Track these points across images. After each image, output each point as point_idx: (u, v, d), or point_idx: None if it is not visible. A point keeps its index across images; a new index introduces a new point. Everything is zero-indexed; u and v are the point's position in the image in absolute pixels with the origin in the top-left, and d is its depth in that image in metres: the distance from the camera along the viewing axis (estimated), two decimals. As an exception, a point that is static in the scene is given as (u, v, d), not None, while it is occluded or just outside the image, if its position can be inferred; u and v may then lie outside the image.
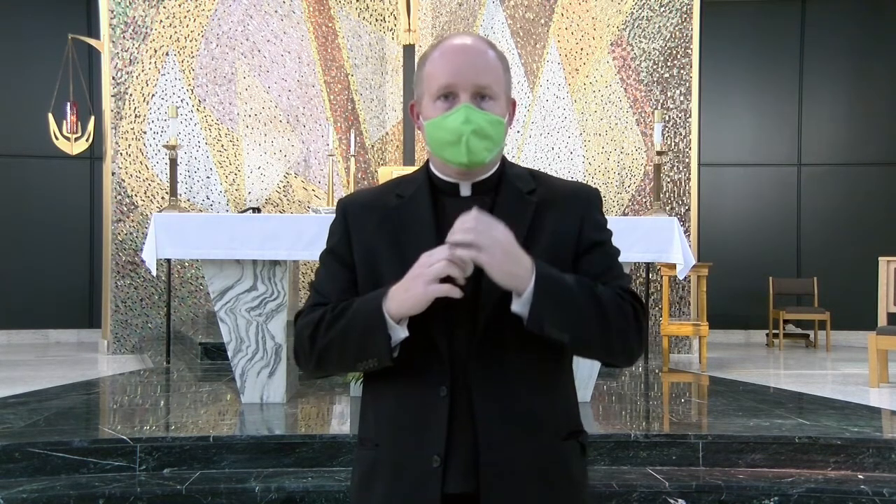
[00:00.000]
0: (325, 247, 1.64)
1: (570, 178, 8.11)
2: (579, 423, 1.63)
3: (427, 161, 1.63)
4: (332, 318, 1.52)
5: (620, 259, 1.63)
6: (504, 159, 1.62)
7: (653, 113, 8.08)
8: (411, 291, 1.43)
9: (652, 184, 7.91)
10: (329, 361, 1.57)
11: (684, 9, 8.37)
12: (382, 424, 1.56)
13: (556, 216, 1.56)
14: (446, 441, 1.48)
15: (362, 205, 1.62)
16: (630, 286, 1.59)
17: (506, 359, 1.50)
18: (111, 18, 8.07)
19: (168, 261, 7.27)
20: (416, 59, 7.88)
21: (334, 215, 1.65)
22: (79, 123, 8.11)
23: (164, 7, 8.17)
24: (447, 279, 1.42)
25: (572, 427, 1.60)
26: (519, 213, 1.55)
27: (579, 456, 1.60)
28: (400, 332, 1.46)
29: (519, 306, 1.44)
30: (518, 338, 1.49)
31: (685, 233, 7.50)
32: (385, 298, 1.46)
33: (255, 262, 4.58)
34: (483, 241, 1.40)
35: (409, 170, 1.67)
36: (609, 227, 1.63)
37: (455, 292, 1.42)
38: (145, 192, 8.13)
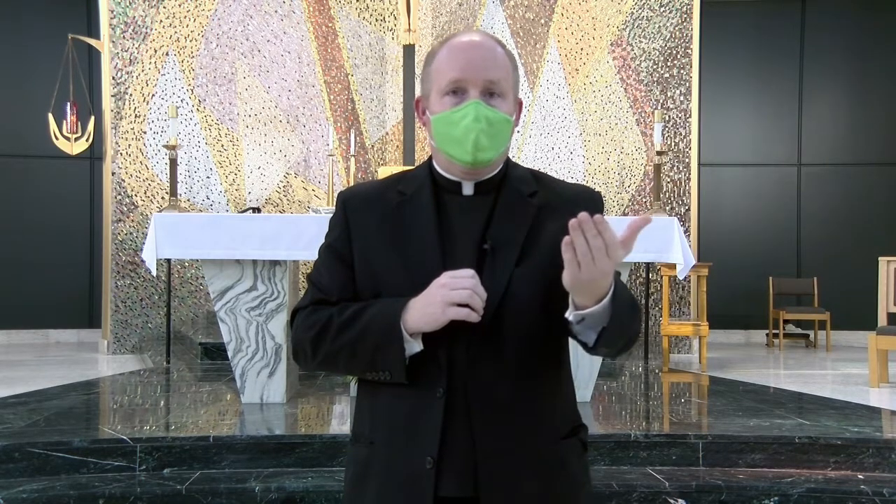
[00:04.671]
0: (325, 240, 1.63)
1: (570, 179, 8.12)
2: (579, 418, 1.62)
3: (430, 157, 1.62)
4: (341, 324, 1.51)
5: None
6: (508, 159, 1.61)
7: (653, 113, 8.07)
8: (429, 310, 1.43)
9: (652, 184, 7.90)
10: (334, 367, 1.58)
11: (684, 9, 8.36)
12: (378, 422, 1.55)
13: (558, 219, 1.53)
14: (440, 443, 1.47)
15: (363, 199, 1.60)
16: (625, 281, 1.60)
17: (505, 362, 1.49)
18: (111, 18, 8.07)
19: (168, 261, 7.27)
20: (417, 59, 7.91)
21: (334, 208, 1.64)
22: (79, 123, 8.10)
23: (164, 7, 8.16)
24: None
25: (572, 424, 1.60)
26: (520, 214, 1.54)
27: (580, 454, 1.60)
28: (415, 346, 1.47)
29: (571, 316, 1.42)
30: (517, 341, 1.49)
31: (685, 233, 7.50)
32: (404, 311, 1.45)
33: (255, 262, 4.59)
34: (582, 256, 1.33)
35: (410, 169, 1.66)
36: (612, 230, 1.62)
37: (473, 317, 1.42)
38: (145, 192, 8.13)
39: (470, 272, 1.43)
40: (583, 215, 1.30)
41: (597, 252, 1.31)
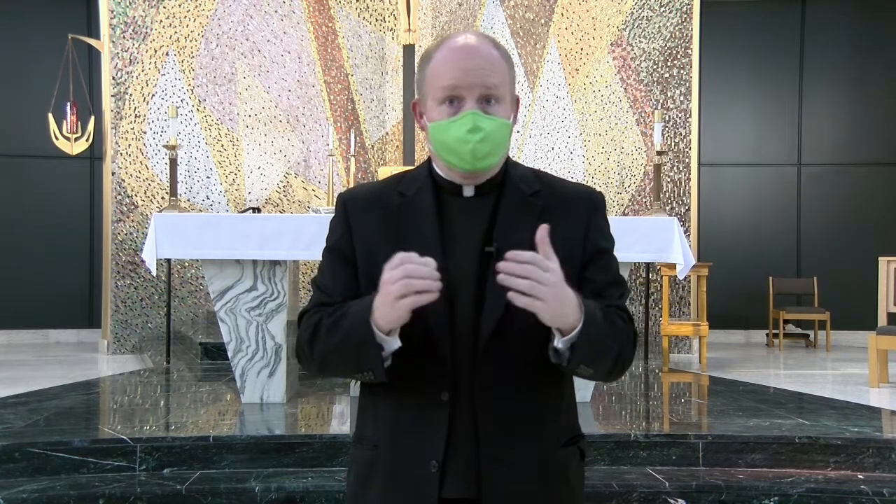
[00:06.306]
0: (326, 243, 1.61)
1: (570, 179, 8.11)
2: (578, 428, 1.63)
3: (429, 158, 1.60)
4: (329, 325, 1.50)
5: (620, 259, 1.63)
6: (508, 158, 1.59)
7: (653, 113, 8.07)
8: (384, 308, 1.39)
9: (652, 184, 7.90)
10: (331, 368, 1.57)
11: (684, 9, 8.36)
12: (381, 425, 1.55)
13: (561, 220, 1.53)
14: (445, 446, 1.47)
15: (363, 201, 1.59)
16: (627, 299, 1.59)
17: (509, 366, 1.49)
18: (111, 18, 8.07)
19: (168, 261, 7.27)
20: (417, 59, 7.89)
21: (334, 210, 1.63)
22: (79, 123, 8.10)
23: (164, 7, 8.16)
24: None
25: (572, 433, 1.60)
26: (524, 215, 1.53)
27: (578, 462, 1.60)
28: (393, 343, 1.43)
29: (561, 343, 1.41)
30: (521, 346, 1.49)
31: (685, 233, 7.50)
32: (373, 310, 1.42)
33: (255, 262, 4.58)
34: (537, 290, 1.33)
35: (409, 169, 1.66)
36: (611, 232, 1.61)
37: (424, 299, 1.36)
38: (145, 192, 8.13)
39: (399, 258, 1.37)
40: (501, 265, 1.33)
41: (531, 274, 1.32)
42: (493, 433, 1.48)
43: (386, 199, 1.57)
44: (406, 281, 1.35)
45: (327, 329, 1.50)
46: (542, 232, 1.37)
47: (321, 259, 1.62)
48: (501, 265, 1.33)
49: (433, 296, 1.36)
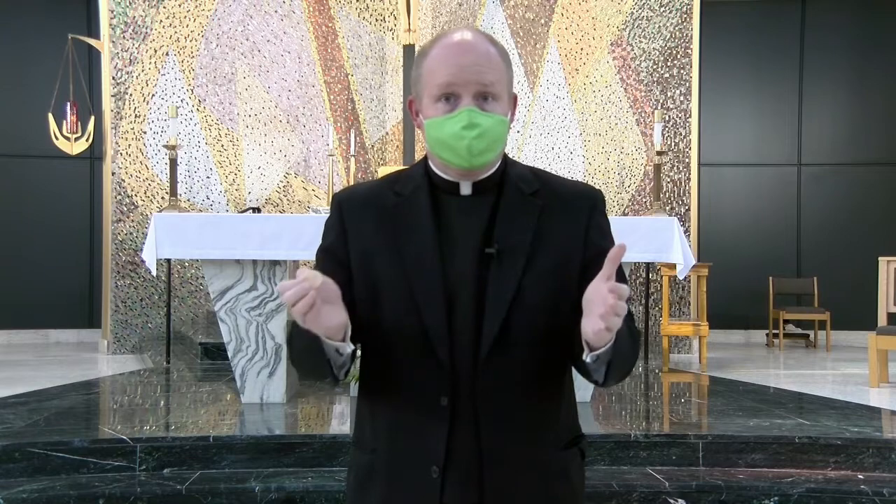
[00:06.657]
0: (321, 244, 1.59)
1: (570, 178, 8.13)
2: (579, 428, 1.62)
3: (425, 157, 1.59)
4: (299, 332, 1.47)
5: (621, 260, 1.62)
6: (506, 157, 1.57)
7: (653, 113, 8.07)
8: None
9: (652, 184, 7.90)
10: (314, 376, 1.55)
11: (684, 9, 8.36)
12: (379, 429, 1.53)
13: (561, 220, 1.52)
14: (446, 451, 1.46)
15: (359, 201, 1.57)
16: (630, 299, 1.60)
17: (510, 369, 1.48)
18: (111, 18, 8.07)
19: (168, 261, 7.27)
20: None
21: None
22: (79, 123, 8.10)
23: (164, 7, 8.16)
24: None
25: (573, 434, 1.59)
26: (523, 215, 1.51)
27: (579, 463, 1.60)
28: (346, 347, 1.41)
29: (589, 358, 1.40)
30: (522, 348, 1.48)
31: (685, 233, 7.50)
32: None
33: (255, 262, 4.58)
34: (617, 323, 1.32)
35: (408, 169, 1.64)
36: (612, 229, 1.60)
37: (315, 310, 1.31)
38: (145, 192, 8.13)
39: (278, 289, 1.33)
40: (616, 307, 1.28)
41: (619, 309, 1.30)
42: (494, 436, 1.47)
43: (382, 198, 1.55)
44: (292, 310, 1.31)
45: (297, 335, 1.49)
46: (620, 252, 1.32)
47: (316, 261, 1.60)
48: (617, 306, 1.29)
49: (316, 304, 1.30)
